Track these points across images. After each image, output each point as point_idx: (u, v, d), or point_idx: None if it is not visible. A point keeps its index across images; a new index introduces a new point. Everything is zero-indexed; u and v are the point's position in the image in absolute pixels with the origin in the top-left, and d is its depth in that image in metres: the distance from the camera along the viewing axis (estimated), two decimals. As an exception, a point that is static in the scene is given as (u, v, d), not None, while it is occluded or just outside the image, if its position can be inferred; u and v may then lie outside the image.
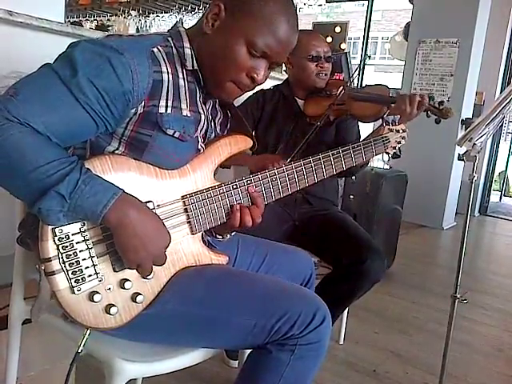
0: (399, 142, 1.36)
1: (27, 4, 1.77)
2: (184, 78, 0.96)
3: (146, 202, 0.88)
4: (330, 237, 1.67)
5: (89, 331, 0.87)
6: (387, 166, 2.99)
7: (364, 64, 1.67)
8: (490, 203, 5.54)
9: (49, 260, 0.79)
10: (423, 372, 1.83)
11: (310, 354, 0.93)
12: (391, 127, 1.34)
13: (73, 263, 0.81)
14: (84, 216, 0.79)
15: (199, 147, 1.01)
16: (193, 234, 0.98)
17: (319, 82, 1.74)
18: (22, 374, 1.26)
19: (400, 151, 1.37)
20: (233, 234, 1.13)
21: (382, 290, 2.52)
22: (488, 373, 1.91)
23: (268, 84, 1.40)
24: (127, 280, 0.87)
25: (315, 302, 0.96)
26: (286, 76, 1.89)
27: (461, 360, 1.95)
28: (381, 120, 1.48)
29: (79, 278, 0.82)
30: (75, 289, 0.81)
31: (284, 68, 2.09)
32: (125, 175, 0.87)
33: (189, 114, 0.96)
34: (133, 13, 6.88)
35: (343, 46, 5.64)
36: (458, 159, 1.47)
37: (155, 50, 0.90)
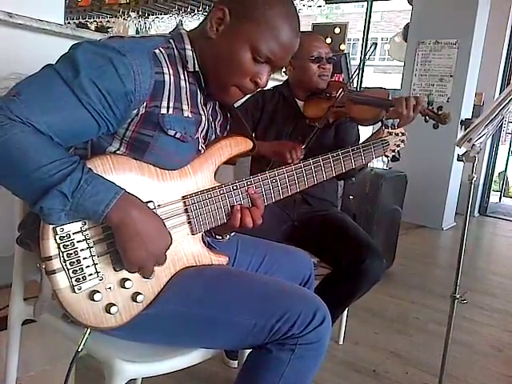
0: (398, 146, 1.37)
1: (27, 6, 1.78)
2: (185, 80, 0.97)
3: (147, 202, 0.88)
4: (330, 237, 1.67)
5: (89, 330, 0.87)
6: (386, 167, 3.00)
7: (369, 56, 1.65)
8: (489, 203, 5.54)
9: (49, 259, 0.80)
10: (423, 372, 1.84)
11: (310, 353, 0.93)
12: (390, 130, 1.35)
13: (73, 262, 0.81)
14: (86, 215, 0.80)
15: (200, 148, 1.02)
16: (193, 235, 0.98)
17: (321, 83, 1.74)
18: (21, 374, 1.27)
19: (399, 154, 1.38)
20: (232, 234, 1.13)
21: (382, 290, 2.53)
22: (488, 373, 1.91)
23: (268, 85, 1.40)
24: (128, 279, 0.87)
25: (315, 301, 0.97)
26: (285, 77, 1.89)
27: (461, 360, 1.95)
28: (380, 123, 1.49)
29: (80, 276, 0.82)
30: (76, 288, 0.82)
31: (284, 69, 2.09)
32: (126, 175, 0.87)
33: (190, 115, 0.97)
34: (132, 14, 6.87)
35: (342, 46, 5.66)
36: (458, 160, 1.47)
37: (157, 51, 0.91)
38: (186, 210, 0.96)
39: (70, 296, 0.82)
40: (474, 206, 5.26)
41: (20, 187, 0.78)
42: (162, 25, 7.20)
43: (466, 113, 4.38)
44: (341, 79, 3.27)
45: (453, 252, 3.55)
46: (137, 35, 1.05)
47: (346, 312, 1.92)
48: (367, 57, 1.59)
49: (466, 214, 1.45)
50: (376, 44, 1.59)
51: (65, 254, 0.81)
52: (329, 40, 5.47)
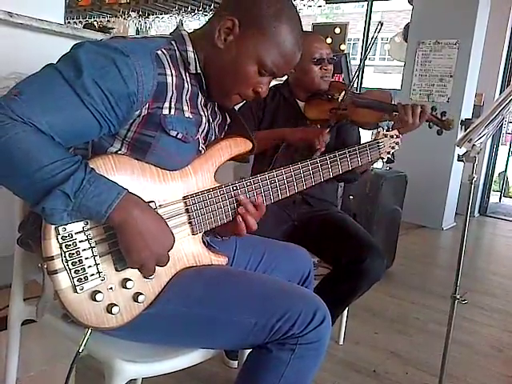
0: (393, 148, 1.37)
1: (27, 5, 1.78)
2: (187, 81, 0.97)
3: (149, 202, 0.88)
4: (330, 236, 1.67)
5: (90, 331, 0.87)
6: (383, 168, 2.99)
7: (376, 35, 1.62)
8: (489, 204, 5.54)
9: (51, 258, 0.80)
10: (423, 372, 1.84)
11: (310, 353, 0.93)
12: (385, 132, 1.35)
13: (75, 262, 0.81)
14: (88, 215, 0.80)
15: (200, 149, 1.02)
16: (194, 235, 0.99)
17: (323, 84, 1.74)
18: (21, 375, 1.27)
19: (393, 156, 1.38)
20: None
21: (382, 290, 2.53)
22: (488, 373, 1.91)
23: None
24: (129, 280, 0.87)
25: (315, 301, 0.97)
26: (285, 77, 1.89)
27: (461, 360, 1.95)
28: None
29: (82, 276, 0.82)
30: (77, 288, 0.82)
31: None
32: (128, 175, 0.87)
33: (191, 116, 0.97)
34: (132, 14, 6.87)
35: (343, 47, 5.65)
36: (458, 160, 1.47)
37: (159, 52, 0.91)
38: (187, 210, 0.96)
39: (71, 296, 0.82)
40: (474, 206, 5.26)
41: (22, 187, 0.78)
42: (163, 24, 7.20)
43: (466, 113, 4.37)
44: (341, 79, 3.27)
45: (453, 252, 3.55)
46: (138, 36, 1.04)
47: (346, 312, 1.92)
48: (375, 35, 1.57)
49: (466, 214, 1.45)
50: (382, 23, 1.56)
51: (67, 253, 0.80)
52: (329, 40, 5.46)
